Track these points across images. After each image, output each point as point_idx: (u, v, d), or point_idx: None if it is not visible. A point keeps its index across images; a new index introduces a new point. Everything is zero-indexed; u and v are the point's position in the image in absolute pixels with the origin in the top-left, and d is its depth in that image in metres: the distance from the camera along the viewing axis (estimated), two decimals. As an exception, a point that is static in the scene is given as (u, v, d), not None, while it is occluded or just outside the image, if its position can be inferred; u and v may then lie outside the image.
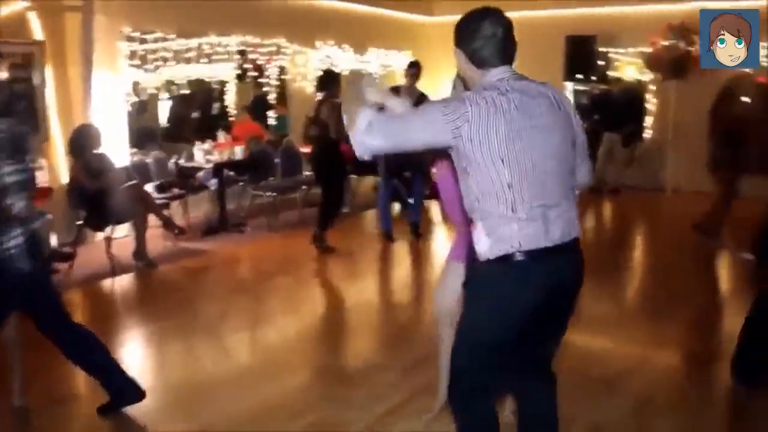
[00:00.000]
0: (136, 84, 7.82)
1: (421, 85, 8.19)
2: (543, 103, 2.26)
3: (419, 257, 7.23)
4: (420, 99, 7.17)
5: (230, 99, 9.34)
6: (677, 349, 4.59)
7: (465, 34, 2.34)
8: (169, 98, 9.08)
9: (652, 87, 10.61)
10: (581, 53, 10.44)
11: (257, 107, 9.30)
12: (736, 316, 4.15)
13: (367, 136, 2.22)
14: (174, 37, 7.88)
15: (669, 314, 5.11)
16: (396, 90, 7.21)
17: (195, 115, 9.77)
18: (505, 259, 2.20)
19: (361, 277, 6.53)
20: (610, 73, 10.69)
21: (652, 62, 9.96)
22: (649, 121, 10.73)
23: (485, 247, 2.23)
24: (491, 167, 2.16)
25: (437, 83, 12.27)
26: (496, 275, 2.25)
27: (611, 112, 10.29)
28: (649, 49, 9.82)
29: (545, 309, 2.27)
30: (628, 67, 10.72)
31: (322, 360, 4.46)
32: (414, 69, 7.39)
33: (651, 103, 10.70)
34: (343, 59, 10.25)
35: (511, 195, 2.17)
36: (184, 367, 4.37)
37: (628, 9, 10.27)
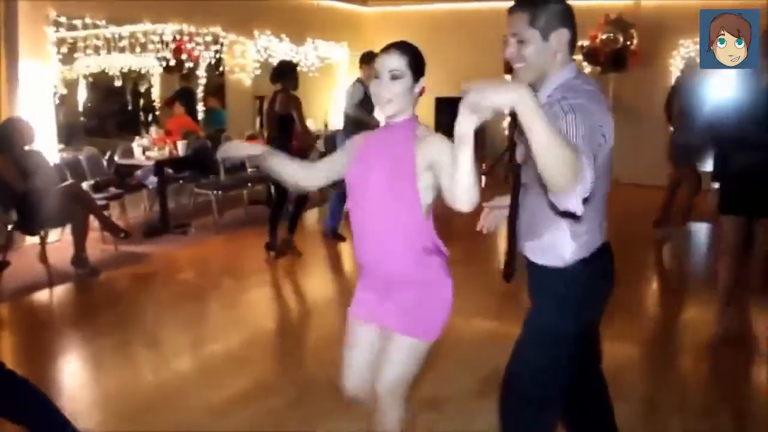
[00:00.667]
0: (63, 74, 7.20)
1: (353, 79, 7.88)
2: None
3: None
4: None
5: (156, 92, 8.80)
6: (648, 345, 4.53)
7: (570, 14, 2.12)
8: (96, 90, 8.47)
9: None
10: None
11: (185, 98, 8.72)
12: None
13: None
14: (105, 24, 7.29)
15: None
16: (360, 82, 6.93)
17: (115, 109, 9.17)
18: (593, 258, 2.18)
19: (313, 278, 6.23)
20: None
21: (590, 56, 10.04)
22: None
23: (571, 250, 2.13)
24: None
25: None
26: (588, 274, 2.18)
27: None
28: (587, 43, 9.89)
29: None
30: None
31: (279, 370, 4.13)
32: (370, 60, 7.04)
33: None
34: (281, 50, 9.85)
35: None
36: (130, 381, 3.94)
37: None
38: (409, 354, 2.30)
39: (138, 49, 7.78)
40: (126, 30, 7.57)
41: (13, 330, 4.97)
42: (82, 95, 8.43)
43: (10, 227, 5.70)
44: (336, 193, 6.78)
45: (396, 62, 2.28)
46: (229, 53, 9.12)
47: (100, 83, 8.27)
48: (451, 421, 3.39)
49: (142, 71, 8.72)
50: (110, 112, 9.16)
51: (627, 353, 4.26)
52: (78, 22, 6.98)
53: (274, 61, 9.59)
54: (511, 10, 2.13)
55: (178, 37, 8.21)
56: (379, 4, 11.85)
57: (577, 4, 8.07)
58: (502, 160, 10.64)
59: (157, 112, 9.03)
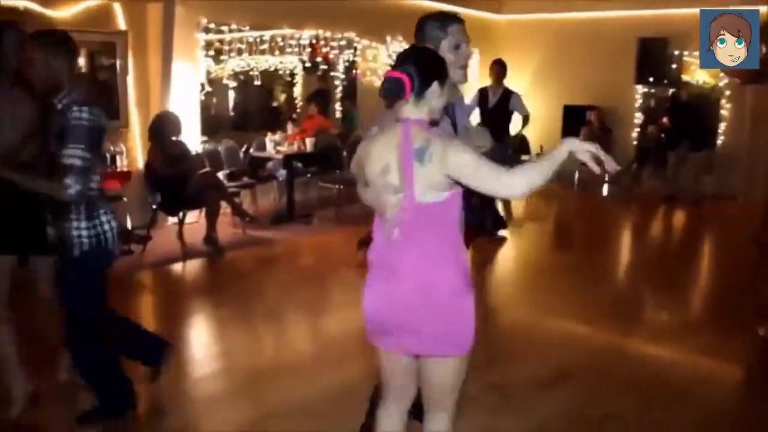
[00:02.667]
0: (210, 74, 8.01)
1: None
2: None
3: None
4: (505, 95, 7.21)
5: (298, 91, 9.48)
6: (743, 363, 4.48)
7: None
8: (240, 88, 9.28)
9: (728, 92, 10.31)
10: (653, 56, 10.22)
11: (319, 99, 9.34)
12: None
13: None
14: (248, 29, 8.05)
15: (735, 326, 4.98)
16: (484, 90, 7.33)
17: (264, 105, 9.95)
18: None
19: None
20: (685, 77, 10.42)
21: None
22: (723, 127, 10.42)
23: None
24: None
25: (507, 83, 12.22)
26: None
27: (683, 117, 9.99)
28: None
29: None
30: (700, 70, 10.45)
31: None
32: (496, 67, 7.43)
33: (726, 108, 10.38)
34: (412, 55, 10.27)
35: None
36: (248, 352, 4.46)
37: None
38: None
39: (277, 52, 8.48)
40: (267, 34, 8.27)
41: (151, 293, 5.80)
42: (232, 93, 9.27)
43: (154, 207, 6.49)
44: None
45: None
46: (362, 57, 9.65)
47: (249, 82, 9.03)
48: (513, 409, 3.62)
49: (287, 71, 9.43)
50: (257, 108, 9.97)
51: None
52: (225, 28, 7.75)
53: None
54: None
55: (314, 41, 8.84)
56: (513, 12, 12.02)
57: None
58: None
59: (298, 110, 9.72)
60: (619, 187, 10.49)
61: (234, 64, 8.48)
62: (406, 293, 2.20)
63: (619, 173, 10.46)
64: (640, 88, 10.79)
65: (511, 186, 2.08)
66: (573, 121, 10.89)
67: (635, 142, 10.86)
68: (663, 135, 10.27)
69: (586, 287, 5.94)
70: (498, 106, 7.38)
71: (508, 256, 7.20)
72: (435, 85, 2.19)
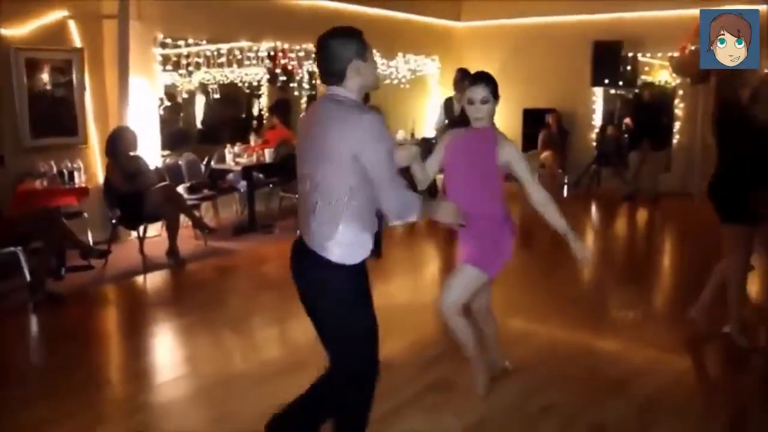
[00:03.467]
0: (168, 88, 8.09)
1: (449, 91, 8.33)
2: None
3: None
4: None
5: (263, 102, 9.58)
6: (693, 355, 4.65)
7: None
8: (205, 102, 9.34)
9: (681, 92, 10.59)
10: (608, 58, 10.46)
11: (280, 110, 9.40)
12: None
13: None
14: (205, 43, 8.14)
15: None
16: (450, 101, 7.54)
17: (229, 117, 10.02)
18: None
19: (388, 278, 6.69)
20: (644, 78, 10.68)
21: (680, 67, 9.94)
22: (677, 126, 10.69)
23: None
24: None
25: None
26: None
27: (645, 117, 10.21)
28: (677, 54, 9.81)
29: None
30: (659, 71, 10.73)
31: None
32: (459, 76, 7.56)
33: (679, 108, 10.66)
34: (371, 64, 10.41)
35: None
36: (211, 359, 4.54)
37: (655, 14, 10.28)
38: None
39: (235, 65, 8.58)
40: (225, 47, 8.37)
41: (114, 306, 5.86)
42: (197, 106, 9.34)
43: (114, 222, 6.55)
44: None
45: (483, 91, 3.43)
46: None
47: (212, 96, 9.09)
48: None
49: (253, 83, 9.51)
50: (224, 120, 10.02)
51: None
52: (182, 42, 7.83)
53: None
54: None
55: (272, 53, 8.95)
56: (471, 19, 12.22)
57: (666, 15, 8.33)
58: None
59: (265, 121, 9.80)
60: (579, 189, 10.72)
61: (200, 77, 8.57)
62: None
63: (579, 174, 10.71)
64: (597, 90, 11.04)
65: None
66: (532, 124, 11.11)
67: (594, 144, 11.10)
68: (626, 135, 10.52)
69: (543, 285, 6.14)
70: (463, 114, 7.41)
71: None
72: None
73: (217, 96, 9.05)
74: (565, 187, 10.72)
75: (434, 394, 3.84)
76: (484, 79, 3.46)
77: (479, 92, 3.43)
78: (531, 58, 11.19)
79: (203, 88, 8.96)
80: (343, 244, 2.51)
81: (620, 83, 10.63)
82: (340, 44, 2.53)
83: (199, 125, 9.61)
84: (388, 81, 10.66)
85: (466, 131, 3.62)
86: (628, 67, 10.60)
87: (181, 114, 8.92)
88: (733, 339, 4.52)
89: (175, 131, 8.61)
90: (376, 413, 2.96)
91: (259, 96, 9.82)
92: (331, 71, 2.54)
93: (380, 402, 3.40)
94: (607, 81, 10.57)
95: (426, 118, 11.71)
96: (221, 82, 8.94)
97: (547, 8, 10.92)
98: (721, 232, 4.54)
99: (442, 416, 3.59)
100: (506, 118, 11.64)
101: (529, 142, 10.84)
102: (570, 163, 10.85)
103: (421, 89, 11.79)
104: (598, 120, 11.22)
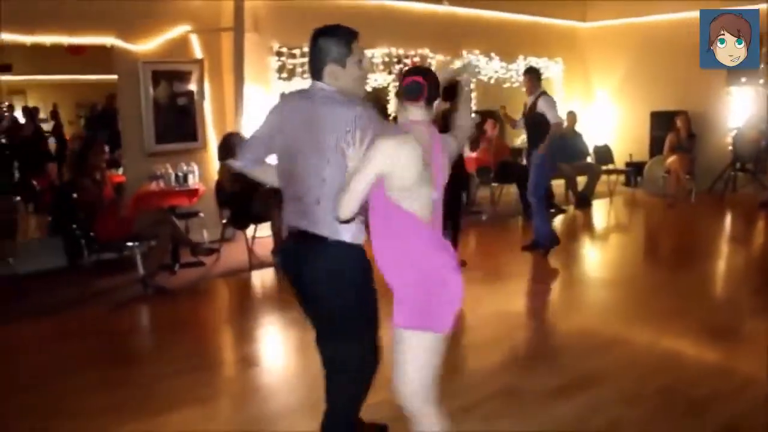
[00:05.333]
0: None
1: (573, 94, 8.01)
2: None
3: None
4: (535, 101, 6.96)
5: (390, 108, 9.82)
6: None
7: None
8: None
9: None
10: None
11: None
12: None
13: None
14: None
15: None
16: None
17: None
18: None
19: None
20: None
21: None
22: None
23: None
24: None
25: (590, 92, 12.02)
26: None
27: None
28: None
29: None
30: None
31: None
32: (526, 77, 7.19)
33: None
34: (489, 68, 10.35)
35: None
36: (309, 349, 4.70)
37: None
38: None
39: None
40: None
41: (222, 297, 6.26)
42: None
43: (224, 222, 6.96)
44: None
45: None
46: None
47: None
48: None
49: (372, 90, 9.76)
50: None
51: None
52: (297, 51, 8.16)
53: (483, 78, 10.19)
54: None
55: (386, 59, 9.12)
56: (597, 19, 11.80)
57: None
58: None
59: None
60: (713, 194, 10.05)
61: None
62: None
63: (713, 179, 10.01)
64: (733, 90, 10.29)
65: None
66: (660, 127, 10.55)
67: (730, 147, 10.35)
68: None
69: (654, 292, 5.86)
70: (529, 113, 7.09)
71: (591, 267, 7.26)
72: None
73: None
74: (693, 193, 10.04)
75: (495, 402, 3.77)
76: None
77: None
78: (659, 58, 10.64)
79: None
80: (351, 225, 2.55)
81: (761, 81, 9.84)
82: (322, 43, 2.57)
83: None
84: (507, 84, 10.53)
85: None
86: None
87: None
88: None
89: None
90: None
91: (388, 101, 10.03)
92: (311, 67, 2.63)
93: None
94: (744, 79, 9.83)
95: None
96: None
97: (676, 5, 10.33)
98: None
99: (498, 424, 3.53)
100: (633, 122, 11.19)
101: (657, 147, 10.31)
102: (701, 168, 10.14)
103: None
104: (735, 121, 10.43)
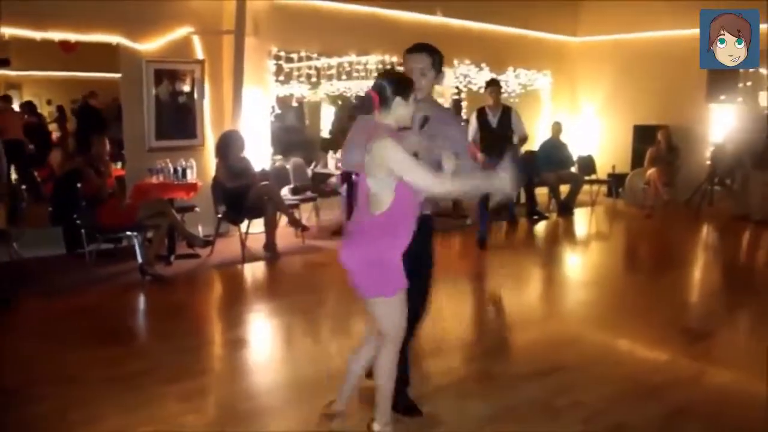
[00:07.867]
0: (303, 97, 8.79)
1: (560, 106, 8.28)
2: None
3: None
4: (505, 113, 7.60)
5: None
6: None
7: None
8: (335, 110, 10.05)
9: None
10: (725, 73, 10.02)
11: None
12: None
13: None
14: (316, 56, 8.76)
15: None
16: (482, 110, 7.76)
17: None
18: None
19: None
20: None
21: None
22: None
23: None
24: None
25: (576, 104, 12.36)
26: None
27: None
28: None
29: None
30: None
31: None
32: (494, 87, 7.78)
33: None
34: (479, 78, 10.67)
35: None
36: (296, 335, 5.09)
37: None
38: None
39: (344, 77, 9.17)
40: (334, 61, 8.97)
41: (215, 288, 6.58)
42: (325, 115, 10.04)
43: (219, 216, 7.25)
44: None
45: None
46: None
47: (338, 104, 9.75)
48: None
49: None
50: (345, 129, 10.60)
51: None
52: (294, 55, 8.48)
53: (474, 88, 10.51)
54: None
55: (380, 66, 9.44)
56: (588, 34, 12.16)
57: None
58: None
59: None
60: (690, 207, 10.41)
61: (326, 88, 9.24)
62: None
63: (692, 192, 10.37)
64: (713, 107, 10.67)
65: (439, 185, 2.84)
66: (643, 140, 10.91)
67: (708, 162, 10.71)
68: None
69: (624, 295, 6.23)
70: (500, 124, 7.71)
71: (569, 269, 7.62)
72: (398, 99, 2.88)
73: (343, 104, 9.66)
74: (670, 204, 10.34)
75: (470, 383, 4.07)
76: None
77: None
78: (644, 74, 11.02)
79: (335, 98, 9.57)
80: None
81: (738, 99, 10.23)
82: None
83: (325, 134, 10.29)
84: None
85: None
86: (749, 83, 10.20)
87: (286, 122, 9.63)
88: None
89: (285, 138, 9.31)
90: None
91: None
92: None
93: (416, 385, 3.74)
94: (723, 97, 10.21)
95: (537, 133, 11.75)
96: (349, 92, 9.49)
97: (665, 22, 10.69)
98: None
99: (470, 402, 3.83)
100: (617, 134, 11.56)
101: (639, 159, 10.68)
102: (681, 180, 10.48)
103: (532, 104, 11.83)
104: (715, 137, 10.81)
